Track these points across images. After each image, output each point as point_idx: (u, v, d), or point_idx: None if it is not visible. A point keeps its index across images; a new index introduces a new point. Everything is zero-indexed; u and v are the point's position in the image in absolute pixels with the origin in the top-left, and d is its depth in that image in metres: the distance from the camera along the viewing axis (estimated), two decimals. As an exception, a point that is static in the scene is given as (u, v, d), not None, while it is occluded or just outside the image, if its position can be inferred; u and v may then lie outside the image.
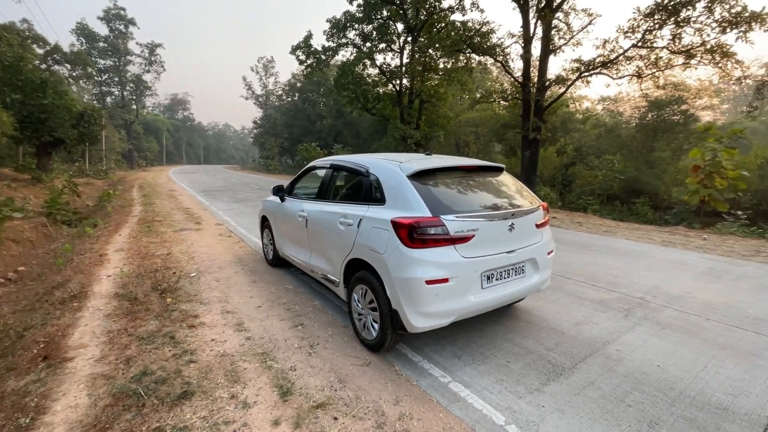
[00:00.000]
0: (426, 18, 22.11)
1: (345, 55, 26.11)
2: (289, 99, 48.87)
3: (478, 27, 16.94)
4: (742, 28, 11.48)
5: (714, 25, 12.02)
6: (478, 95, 21.95)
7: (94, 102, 45.11)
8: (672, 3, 12.32)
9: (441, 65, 23.09)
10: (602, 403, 2.38)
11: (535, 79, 16.79)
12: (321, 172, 4.13)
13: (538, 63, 17.04)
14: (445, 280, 2.57)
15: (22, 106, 16.85)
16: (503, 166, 3.45)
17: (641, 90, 15.95)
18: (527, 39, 16.02)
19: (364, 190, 3.23)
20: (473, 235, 2.67)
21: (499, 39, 16.72)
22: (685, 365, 2.80)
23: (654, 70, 14.26)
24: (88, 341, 3.14)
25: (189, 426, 2.15)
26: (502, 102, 20.43)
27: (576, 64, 15.55)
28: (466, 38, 16.31)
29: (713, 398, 2.42)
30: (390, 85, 25.65)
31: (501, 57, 16.51)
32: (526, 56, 16.41)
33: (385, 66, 25.63)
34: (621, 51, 14.44)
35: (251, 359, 2.89)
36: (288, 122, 44.02)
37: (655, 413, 2.28)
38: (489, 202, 2.95)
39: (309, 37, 24.93)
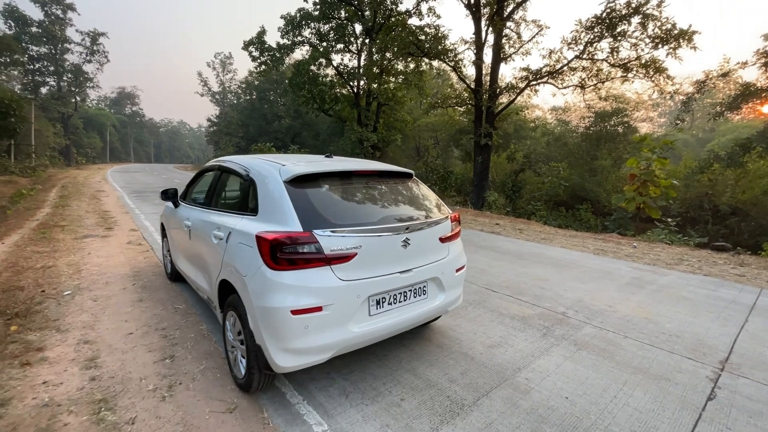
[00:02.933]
0: (383, 21, 21.91)
1: (302, 53, 25.39)
2: (247, 97, 47.03)
3: (430, 31, 16.90)
4: (672, 45, 12.13)
5: (647, 40, 12.64)
6: (435, 100, 22.00)
7: (25, 93, 40.92)
8: (609, 17, 12.83)
9: (400, 68, 23.01)
10: (495, 452, 2.03)
11: (487, 86, 17.02)
12: (210, 175, 3.57)
13: (490, 70, 17.28)
14: (318, 309, 2.12)
15: None
16: (411, 172, 3.08)
17: (584, 101, 16.57)
18: (479, 46, 16.17)
19: (242, 196, 2.74)
20: (355, 254, 2.24)
21: (452, 44, 16.77)
22: (594, 395, 2.54)
23: (595, 82, 14.81)
24: None
25: None
26: (457, 107, 20.61)
27: (524, 73, 15.88)
28: (417, 42, 16.19)
29: (617, 438, 2.14)
30: (347, 87, 25.18)
31: (452, 62, 16.55)
32: (477, 62, 16.56)
33: (342, 67, 25.12)
34: (565, 61, 14.89)
35: (81, 409, 2.28)
36: (244, 121, 42.26)
37: (550, 464, 1.95)
38: (382, 214, 2.53)
39: (262, 33, 23.92)
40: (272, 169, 2.54)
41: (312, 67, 23.53)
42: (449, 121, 25.72)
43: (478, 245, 6.90)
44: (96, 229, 7.55)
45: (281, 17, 23.53)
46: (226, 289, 2.61)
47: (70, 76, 46.53)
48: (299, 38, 24.27)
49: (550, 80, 15.78)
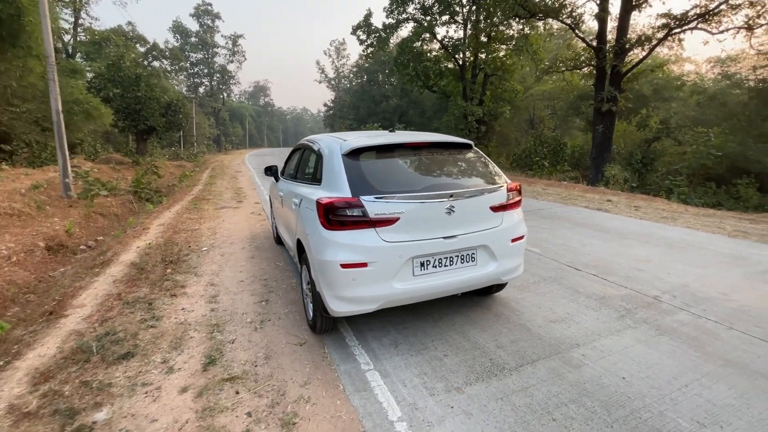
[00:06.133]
0: (491, -18, 20.43)
1: (408, 30, 25.46)
2: (358, 80, 49.52)
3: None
4: None
5: None
6: (548, 65, 19.87)
7: (189, 93, 50.64)
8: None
9: (509, 33, 21.36)
10: (523, 412, 2.09)
11: (613, 41, 14.66)
12: (297, 153, 4.14)
13: (618, 21, 14.77)
14: (363, 265, 2.43)
15: (122, 99, 19.56)
16: (469, 142, 3.10)
17: (752, 46, 12.96)
18: (603, -6, 13.98)
19: (314, 169, 3.17)
20: (398, 218, 2.46)
21: (568, -3, 14.82)
22: (659, 380, 2.32)
23: (771, 18, 11.46)
24: (87, 302, 3.63)
25: (113, 383, 2.38)
26: (574, 71, 18.30)
27: (664, 20, 13.17)
28: (523, 2, 14.69)
29: (671, 424, 1.97)
30: (453, 60, 24.46)
31: (569, 18, 14.64)
32: (601, 15, 14.37)
33: (447, 39, 24.44)
34: (723, -2, 11.85)
35: (202, 329, 3.08)
36: (354, 103, 44.79)
37: (578, 432, 1.93)
38: (427, 183, 2.67)
39: (369, 15, 24.72)
40: (335, 144, 2.89)
41: (416, 44, 23.49)
42: (567, 86, 23.02)
43: (575, 222, 6.33)
44: (230, 201, 9.27)
45: (387, -4, 23.84)
46: (301, 247, 3.12)
47: (218, 76, 55.57)
48: (404, 15, 24.33)
49: (701, 25, 12.77)
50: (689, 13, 12.52)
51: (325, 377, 2.45)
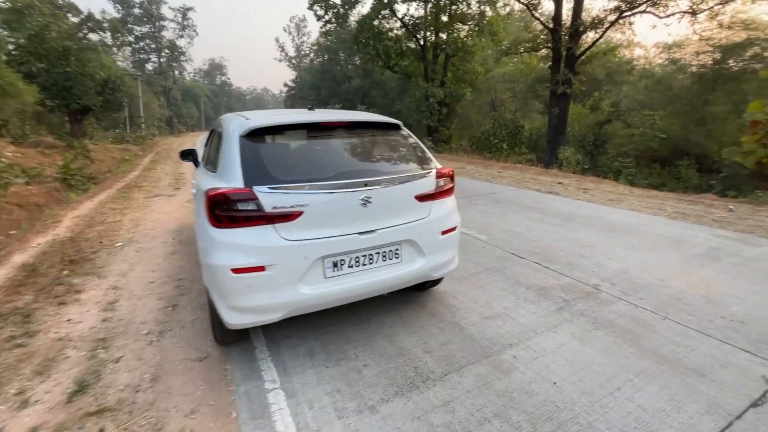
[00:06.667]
0: (449, -42, 19.89)
1: (368, 7, 24.46)
2: (319, 59, 47.64)
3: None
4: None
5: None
6: (506, 46, 19.79)
7: (134, 70, 46.72)
8: None
9: (470, 12, 21.01)
10: (440, 433, 1.82)
11: (568, 23, 14.72)
12: (210, 133, 3.62)
13: (573, 3, 14.80)
14: (260, 269, 2.04)
15: (48, 75, 17.50)
16: (397, 122, 2.73)
17: (696, 32, 13.42)
18: (558, -26, 13.90)
19: (215, 153, 2.70)
20: (301, 212, 2.07)
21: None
22: (592, 384, 2.13)
23: (712, 4, 11.83)
24: (-52, 316, 3.00)
25: (-62, 428, 1.88)
26: (532, 53, 18.36)
27: (616, 2, 13.31)
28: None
29: (599, 438, 1.77)
30: (414, 39, 23.84)
31: (525, -1, 14.49)
32: (557, -5, 14.32)
33: (408, 18, 23.73)
34: (670, -18, 12.08)
35: (84, 346, 2.58)
36: (315, 83, 43.20)
37: (498, 456, 1.69)
38: (339, 169, 2.29)
39: (327, -12, 23.45)
40: (235, 123, 2.43)
41: (375, 22, 22.64)
42: (525, 69, 23.15)
43: (524, 206, 6.22)
44: (166, 189, 8.47)
45: (345, -32, 22.69)
46: (204, 246, 2.67)
47: (167, 51, 51.59)
48: (362, -10, 23.31)
49: (649, 8, 13.04)
50: (639, -4, 12.70)
51: (219, 402, 2.07)
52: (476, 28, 21.39)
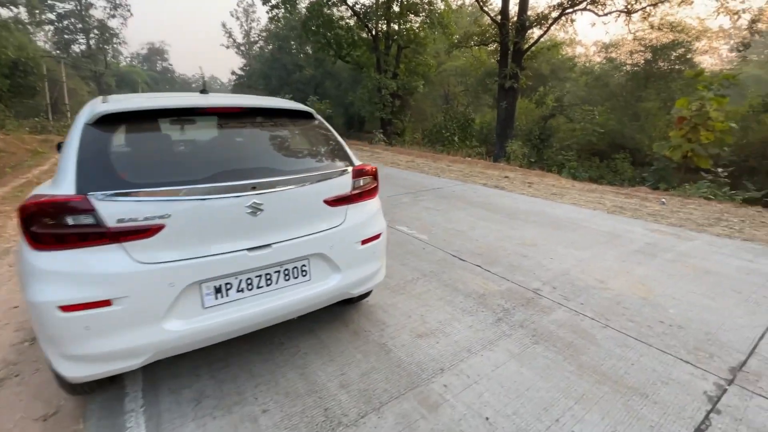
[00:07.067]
0: (399, -55, 19.46)
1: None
2: (269, 47, 45.39)
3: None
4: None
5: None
6: (456, 40, 19.80)
7: (57, 52, 41.75)
8: None
9: (420, 3, 20.77)
10: (343, 507, 1.43)
11: (515, 18, 14.88)
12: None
13: (519, -1, 14.98)
14: (104, 303, 1.52)
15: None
16: (310, 111, 2.28)
17: (630, 32, 14.10)
18: (505, -33, 13.96)
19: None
20: (162, 225, 1.57)
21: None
22: (528, 417, 1.84)
23: (646, 4, 12.41)
24: None
25: None
26: (482, 46, 18.50)
27: (559, -1, 13.62)
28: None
29: (533, 493, 1.47)
30: (366, 29, 23.22)
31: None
32: (504, -11, 14.38)
33: (359, 6, 23.05)
34: (608, -20, 12.51)
35: None
36: (265, 72, 41.19)
37: None
38: (218, 168, 1.80)
39: (272, -29, 22.14)
40: (87, 108, 1.85)
41: (325, 9, 21.75)
42: (476, 63, 23.40)
43: (469, 202, 6.02)
44: (76, 186, 7.38)
45: (291, -50, 21.51)
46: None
47: (96, 32, 46.73)
48: (311, -26, 22.27)
49: (589, 6, 13.46)
50: (580, -6, 13.05)
51: (51, 484, 1.54)
52: (428, 20, 21.26)
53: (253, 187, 1.74)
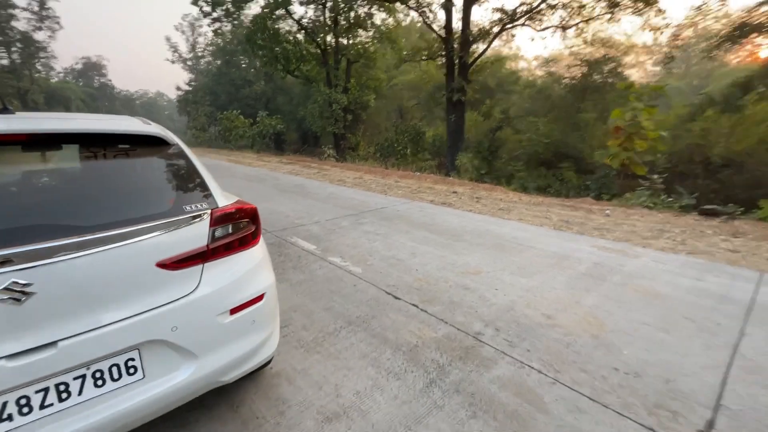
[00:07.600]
0: (344, -39, 19.37)
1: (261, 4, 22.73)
2: (218, 61, 43.71)
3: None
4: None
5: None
6: (404, 54, 19.90)
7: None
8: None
9: (366, 17, 20.72)
10: None
11: (459, 33, 15.10)
12: None
13: (462, 14, 15.24)
14: None
15: None
16: (156, 135, 1.68)
17: (566, 46, 14.75)
18: (446, -16, 14.14)
19: None
20: None
21: (416, -15, 14.67)
22: None
23: (578, 21, 12.99)
24: None
25: None
26: (430, 60, 18.66)
27: (499, 14, 13.96)
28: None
29: None
30: (314, 43, 22.79)
31: (415, 5, 14.51)
32: (447, 5, 14.58)
33: (306, 21, 22.65)
34: (543, -3, 12.98)
35: None
36: (212, 88, 39.51)
37: None
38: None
39: (212, -18, 21.25)
40: None
41: (269, 22, 21.11)
42: (426, 77, 23.66)
43: (413, 223, 5.59)
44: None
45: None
46: None
47: (19, 46, 42.81)
48: (254, -12, 21.62)
49: (527, 22, 13.91)
50: (518, 10, 13.44)
51: None
52: (376, 36, 21.26)
53: (9, 261, 1.12)
